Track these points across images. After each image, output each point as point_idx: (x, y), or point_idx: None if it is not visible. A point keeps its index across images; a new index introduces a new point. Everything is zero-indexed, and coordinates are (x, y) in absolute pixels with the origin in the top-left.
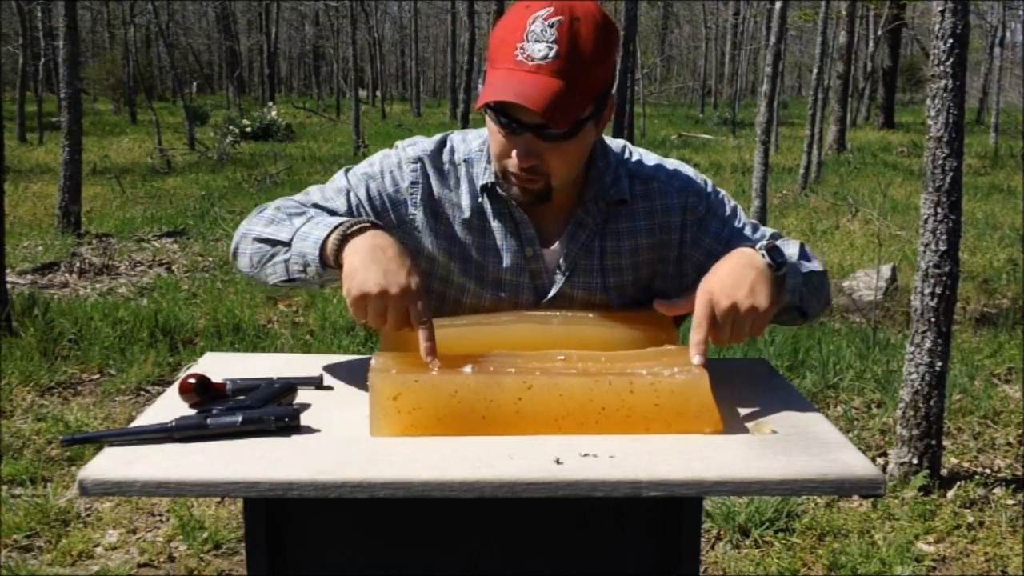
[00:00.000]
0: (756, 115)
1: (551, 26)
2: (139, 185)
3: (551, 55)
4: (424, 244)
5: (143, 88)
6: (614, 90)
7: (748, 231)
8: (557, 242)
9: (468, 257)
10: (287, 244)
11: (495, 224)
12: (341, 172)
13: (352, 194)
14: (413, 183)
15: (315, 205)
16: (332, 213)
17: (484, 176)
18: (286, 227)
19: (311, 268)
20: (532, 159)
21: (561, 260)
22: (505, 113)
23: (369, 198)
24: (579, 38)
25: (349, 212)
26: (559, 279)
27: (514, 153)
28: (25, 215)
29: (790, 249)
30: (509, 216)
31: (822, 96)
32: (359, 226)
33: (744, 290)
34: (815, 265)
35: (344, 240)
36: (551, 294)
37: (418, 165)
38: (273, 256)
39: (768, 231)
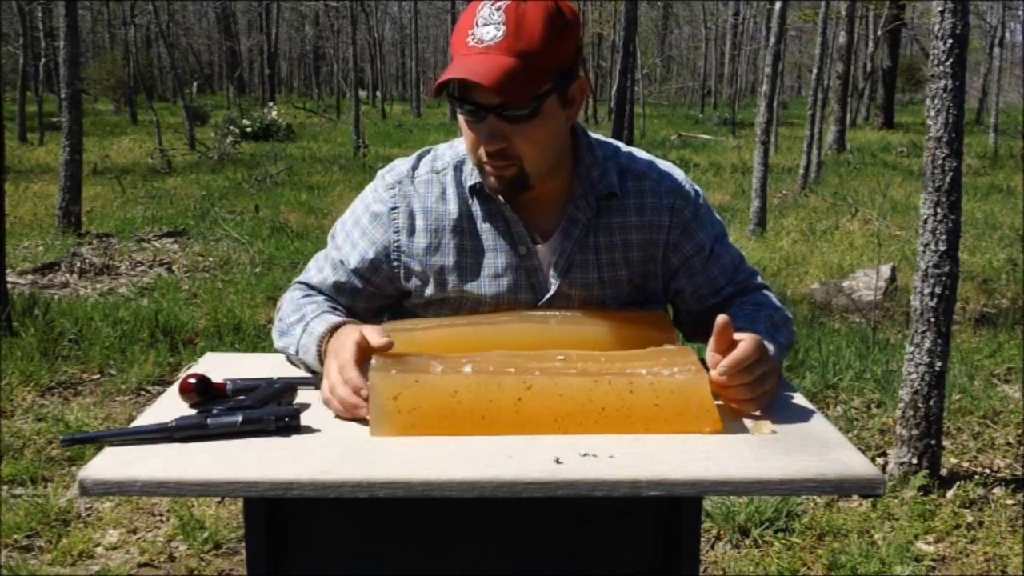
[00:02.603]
0: (756, 115)
1: (498, 9)
2: (139, 185)
3: (499, 35)
4: (415, 265)
5: (143, 88)
6: (615, 88)
7: (727, 260)
8: (551, 239)
9: (462, 263)
10: (298, 354)
11: (485, 225)
12: (331, 233)
13: (334, 255)
14: (393, 208)
15: (315, 286)
16: (325, 284)
17: (472, 177)
18: (292, 340)
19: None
20: (498, 142)
21: (556, 257)
22: (464, 99)
23: (352, 248)
24: (527, 18)
25: (335, 274)
26: (556, 276)
27: (481, 141)
28: (25, 215)
29: (777, 330)
30: (500, 216)
31: (822, 96)
32: (330, 336)
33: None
34: (787, 322)
35: (319, 354)
36: (550, 292)
37: (396, 190)
38: (299, 365)
39: (746, 268)
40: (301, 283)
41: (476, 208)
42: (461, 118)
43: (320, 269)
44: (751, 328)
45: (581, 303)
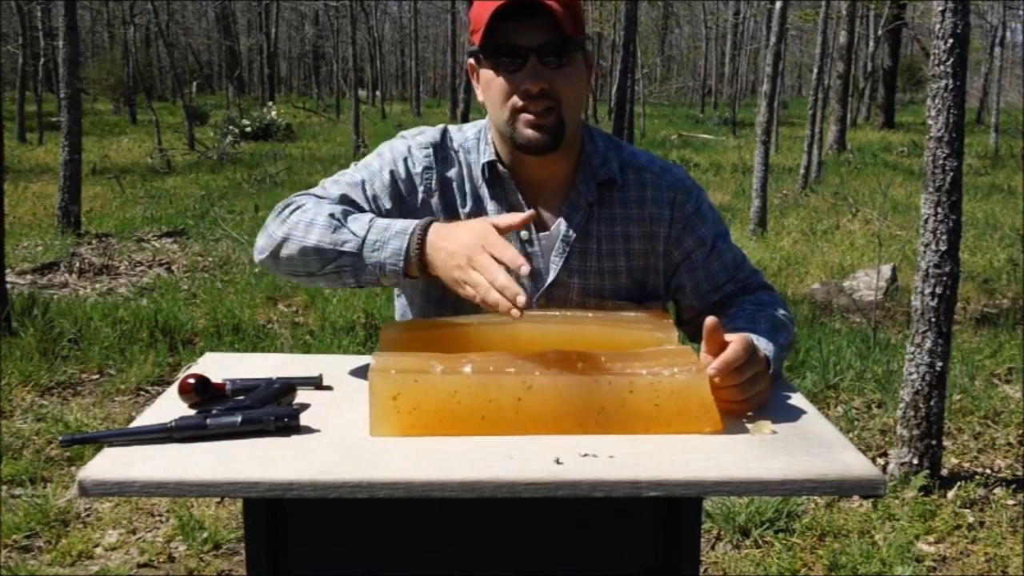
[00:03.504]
0: (756, 115)
1: None
2: (139, 185)
3: None
4: None
5: (143, 88)
6: (615, 88)
7: (728, 257)
8: (553, 226)
9: None
10: (356, 254)
11: (491, 208)
12: (352, 167)
13: (367, 186)
14: (427, 168)
15: (342, 198)
16: (352, 204)
17: (485, 155)
18: (347, 236)
19: (388, 278)
20: (541, 81)
21: (557, 243)
22: (506, 46)
23: (384, 187)
24: None
25: (367, 204)
26: (556, 263)
27: (521, 86)
28: (25, 215)
29: (777, 331)
30: (505, 200)
31: (822, 96)
32: (424, 227)
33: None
34: (788, 323)
35: (421, 246)
36: (549, 280)
37: (430, 151)
38: (338, 266)
39: (748, 266)
40: (315, 195)
41: (483, 191)
42: (488, 75)
43: (345, 190)
44: (752, 328)
45: (579, 292)
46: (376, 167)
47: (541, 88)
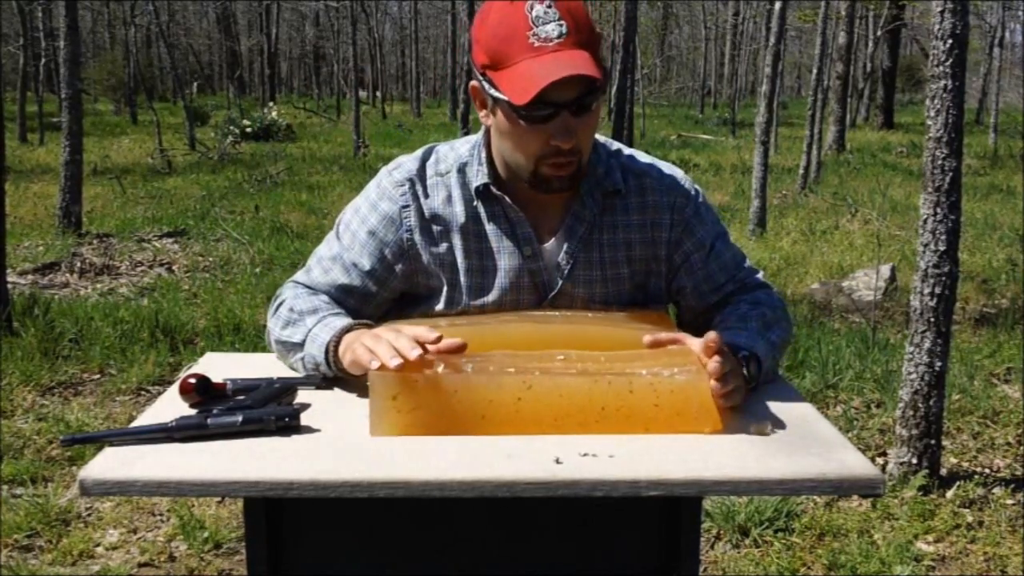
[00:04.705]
0: (756, 115)
1: (549, 7)
2: (140, 185)
3: (564, 31)
4: (424, 263)
5: (144, 88)
6: (615, 88)
7: (728, 257)
8: (555, 238)
9: (468, 265)
10: (301, 346)
11: (490, 227)
12: (333, 232)
13: (345, 256)
14: (404, 207)
15: (319, 287)
16: (333, 285)
17: (477, 178)
18: (300, 329)
19: (322, 367)
20: (571, 138)
21: (561, 256)
22: (541, 100)
23: (362, 249)
24: (578, 12)
25: (347, 276)
26: (560, 274)
27: (551, 140)
28: (26, 215)
29: (768, 328)
30: (504, 217)
31: (821, 96)
32: (354, 325)
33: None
34: (781, 320)
35: (337, 345)
36: (554, 291)
37: (407, 187)
38: (292, 356)
39: (747, 265)
40: (301, 284)
41: (481, 209)
42: (521, 123)
43: (326, 271)
44: (742, 326)
45: (583, 302)
46: (354, 227)
47: (572, 145)
